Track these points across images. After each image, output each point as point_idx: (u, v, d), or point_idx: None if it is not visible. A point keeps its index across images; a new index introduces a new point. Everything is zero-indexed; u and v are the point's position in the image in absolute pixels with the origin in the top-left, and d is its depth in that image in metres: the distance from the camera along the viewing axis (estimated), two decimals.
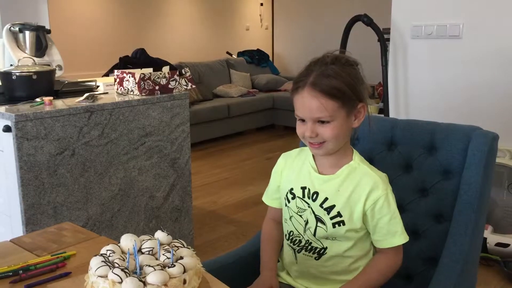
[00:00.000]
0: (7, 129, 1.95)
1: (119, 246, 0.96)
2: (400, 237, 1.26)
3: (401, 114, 3.11)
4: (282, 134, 6.34)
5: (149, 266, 0.87)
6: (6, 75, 2.26)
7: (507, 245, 2.64)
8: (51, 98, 2.17)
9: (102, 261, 0.88)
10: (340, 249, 1.29)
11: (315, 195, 1.29)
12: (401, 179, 1.52)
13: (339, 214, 1.26)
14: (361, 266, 1.32)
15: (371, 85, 6.62)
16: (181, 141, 2.55)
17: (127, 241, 0.97)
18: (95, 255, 0.91)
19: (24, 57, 2.62)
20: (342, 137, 1.24)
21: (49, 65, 2.70)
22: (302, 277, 1.37)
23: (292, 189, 1.34)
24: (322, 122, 1.21)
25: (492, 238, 2.68)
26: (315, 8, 7.31)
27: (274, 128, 6.67)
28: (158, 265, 0.88)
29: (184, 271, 0.88)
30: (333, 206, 1.27)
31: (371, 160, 1.56)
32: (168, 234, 0.99)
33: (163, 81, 2.45)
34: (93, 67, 5.39)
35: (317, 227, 1.28)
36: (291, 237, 1.35)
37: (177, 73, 2.54)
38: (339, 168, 1.29)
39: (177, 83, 2.52)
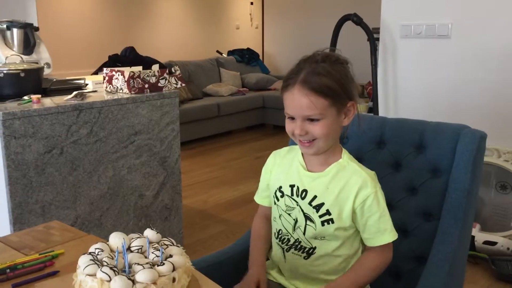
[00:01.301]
0: None
1: (107, 245, 0.96)
2: (389, 235, 1.26)
3: (390, 113, 3.13)
4: (272, 133, 6.35)
5: (138, 264, 0.87)
6: None
7: (494, 243, 2.66)
8: (39, 96, 2.15)
9: (91, 260, 0.87)
10: (329, 248, 1.29)
11: (304, 193, 1.29)
12: (390, 178, 1.53)
13: (328, 212, 1.26)
14: (350, 265, 1.32)
15: (360, 85, 6.65)
16: (171, 140, 2.54)
17: (116, 239, 0.96)
18: (84, 254, 0.91)
19: (12, 55, 2.60)
20: (332, 135, 1.24)
21: (37, 63, 2.67)
22: (291, 276, 1.37)
23: (281, 187, 1.34)
24: (312, 120, 1.21)
25: (480, 236, 2.70)
26: (305, 7, 7.32)
27: (264, 127, 6.67)
28: (147, 263, 0.87)
29: (174, 269, 0.87)
30: (322, 204, 1.27)
31: (361, 158, 1.57)
32: (158, 232, 0.99)
33: (153, 79, 2.44)
34: (82, 65, 5.35)
35: (307, 226, 1.28)
36: (279, 236, 1.35)
37: (167, 71, 2.53)
38: (328, 166, 1.29)
39: (167, 81, 2.51)
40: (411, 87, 3.02)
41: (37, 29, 2.86)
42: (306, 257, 1.31)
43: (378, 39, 3.18)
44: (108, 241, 0.98)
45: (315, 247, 1.29)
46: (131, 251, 0.93)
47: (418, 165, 1.49)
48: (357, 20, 3.28)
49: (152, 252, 0.91)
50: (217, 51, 7.25)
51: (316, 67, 1.19)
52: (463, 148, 1.41)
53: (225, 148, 5.50)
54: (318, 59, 1.21)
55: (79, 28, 5.66)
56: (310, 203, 1.28)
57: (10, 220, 1.99)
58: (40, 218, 2.06)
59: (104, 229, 2.31)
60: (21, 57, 2.52)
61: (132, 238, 0.96)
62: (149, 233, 0.98)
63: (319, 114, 1.19)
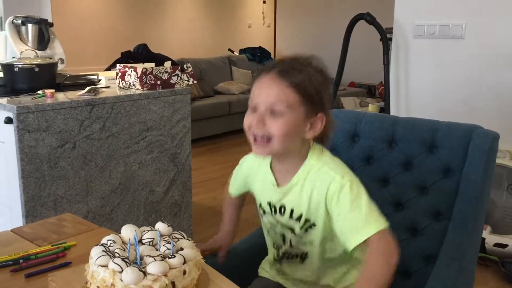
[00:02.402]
0: (8, 120, 1.95)
1: (119, 237, 0.97)
2: (374, 225, 1.09)
3: (402, 113, 3.11)
4: None
5: (150, 256, 0.88)
6: (8, 67, 2.27)
7: (505, 246, 2.64)
8: (53, 90, 2.18)
9: (103, 251, 0.89)
10: (320, 251, 1.23)
11: (282, 209, 1.23)
12: (401, 177, 1.52)
13: (307, 220, 1.19)
14: (349, 272, 1.28)
15: (372, 85, 6.62)
16: (182, 136, 2.56)
17: (128, 231, 0.97)
18: (96, 245, 0.92)
19: (26, 50, 2.62)
20: (289, 139, 1.13)
21: (51, 58, 2.70)
22: (288, 279, 1.34)
23: (261, 204, 1.30)
24: (275, 114, 1.10)
25: (490, 238, 2.68)
26: (317, 6, 7.30)
27: None
28: (158, 255, 0.88)
29: (184, 262, 0.88)
30: (300, 215, 1.20)
31: (372, 157, 1.57)
32: (169, 225, 1.00)
33: (165, 76, 2.46)
34: (95, 61, 5.39)
35: (292, 239, 1.25)
36: (274, 247, 1.34)
37: (179, 68, 2.54)
38: (295, 173, 1.20)
39: (179, 78, 2.52)
40: (423, 87, 3.01)
41: (51, 25, 2.89)
42: (300, 262, 1.28)
43: (391, 39, 3.17)
44: (120, 233, 0.99)
45: (306, 252, 1.25)
46: (143, 244, 0.94)
47: (429, 164, 1.49)
48: (370, 19, 3.27)
49: (163, 245, 0.92)
50: (229, 49, 7.26)
51: (298, 66, 1.13)
52: (475, 148, 1.40)
53: (236, 146, 5.50)
54: (302, 61, 1.15)
55: (93, 24, 5.71)
56: (290, 217, 1.22)
57: (22, 213, 2.01)
58: (52, 211, 2.09)
59: (115, 224, 2.33)
60: (36, 52, 2.54)
61: (144, 231, 0.97)
62: (161, 226, 0.99)
63: (285, 107, 1.09)
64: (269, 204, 1.26)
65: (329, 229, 1.18)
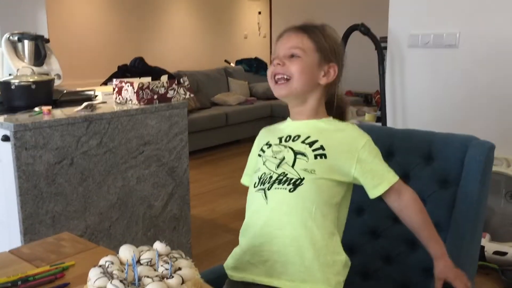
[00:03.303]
0: (5, 138, 1.96)
1: (117, 257, 0.97)
2: (394, 174, 1.28)
3: (398, 122, 3.12)
4: None
5: (148, 277, 0.87)
6: (5, 84, 2.27)
7: (505, 254, 2.64)
8: (50, 107, 2.18)
9: (101, 272, 0.88)
10: (317, 185, 1.22)
11: (296, 137, 1.30)
12: None
13: (321, 148, 1.25)
14: (320, 240, 1.22)
15: (368, 93, 6.65)
16: (180, 150, 2.56)
17: (126, 252, 0.97)
18: (94, 266, 0.92)
19: (23, 67, 2.63)
20: (307, 80, 1.29)
21: (47, 74, 2.70)
22: (258, 260, 1.26)
23: (268, 141, 1.35)
24: (292, 57, 1.29)
25: (490, 246, 2.68)
26: (312, 16, 7.31)
27: None
28: (156, 276, 0.88)
29: (183, 282, 0.88)
30: (316, 141, 1.27)
31: None
32: (167, 244, 1.00)
33: (162, 90, 2.47)
34: (92, 75, 5.40)
35: (296, 159, 1.25)
36: (260, 180, 1.29)
37: (176, 82, 2.55)
38: (316, 117, 1.34)
39: (176, 92, 2.53)
40: (419, 96, 3.02)
41: (47, 41, 2.90)
42: (292, 189, 1.22)
43: (386, 48, 3.18)
44: (117, 253, 0.99)
45: (303, 178, 1.22)
46: (141, 264, 0.94)
47: (426, 176, 1.49)
48: (364, 30, 3.29)
49: (161, 265, 0.92)
50: (225, 61, 7.28)
51: (318, 24, 1.35)
52: (472, 160, 1.41)
53: (233, 157, 5.51)
54: (317, 23, 1.37)
55: (89, 39, 5.72)
56: (303, 141, 1.28)
57: (20, 230, 2.01)
58: (50, 228, 2.08)
59: (114, 240, 2.32)
60: (32, 69, 2.55)
61: (142, 251, 0.97)
62: (158, 245, 0.99)
63: (301, 52, 1.28)
64: (280, 138, 1.33)
65: (335, 171, 1.24)
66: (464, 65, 2.81)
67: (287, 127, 1.36)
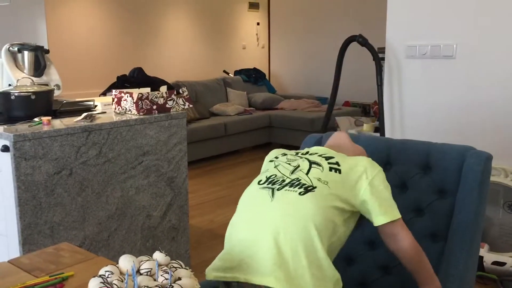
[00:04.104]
0: (5, 148, 1.96)
1: (117, 267, 0.97)
2: (398, 212, 1.29)
3: (396, 132, 3.14)
4: None
5: (147, 287, 0.88)
6: (5, 95, 2.28)
7: (503, 264, 2.64)
8: (50, 118, 2.19)
9: (101, 282, 0.89)
10: (328, 197, 1.22)
11: (314, 153, 1.35)
12: (397, 199, 1.52)
13: (337, 163, 1.30)
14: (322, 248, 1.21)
15: (366, 103, 6.68)
16: (178, 160, 2.57)
17: (126, 262, 0.97)
18: (94, 276, 0.92)
19: (23, 77, 2.64)
20: None
21: (47, 84, 2.71)
22: (273, 221, 1.23)
23: (284, 153, 1.40)
24: None
25: (488, 256, 2.68)
26: (311, 27, 7.39)
27: (271, 146, 6.68)
28: (156, 286, 0.88)
29: None
30: (332, 157, 1.32)
31: None
32: (166, 255, 1.00)
33: (161, 101, 2.48)
34: (91, 86, 5.42)
35: (312, 168, 1.29)
36: (270, 180, 1.29)
37: (175, 92, 2.56)
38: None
39: (175, 102, 2.54)
40: (416, 107, 3.03)
41: (47, 51, 2.91)
42: (302, 193, 1.23)
43: (383, 59, 3.20)
44: (117, 263, 0.99)
45: (315, 186, 1.24)
46: (141, 274, 0.94)
47: (424, 186, 1.50)
48: (362, 41, 3.31)
49: (161, 275, 0.93)
50: (224, 71, 7.31)
51: None
52: (469, 170, 1.42)
53: (232, 167, 5.51)
54: None
55: (88, 49, 5.75)
56: (320, 155, 1.33)
57: (19, 241, 2.01)
58: (49, 239, 2.08)
59: (112, 250, 2.32)
60: (32, 80, 2.56)
61: (142, 261, 0.98)
62: (158, 255, 1.00)
63: None
64: (297, 152, 1.39)
65: (346, 188, 1.26)
66: (462, 76, 2.83)
67: (309, 148, 1.43)
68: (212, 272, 1.29)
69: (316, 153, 1.35)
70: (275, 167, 1.33)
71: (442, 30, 2.87)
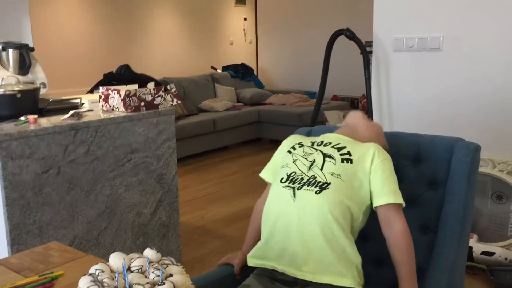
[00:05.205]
0: None
1: (108, 265, 0.96)
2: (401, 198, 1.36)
3: (385, 125, 3.15)
4: (268, 147, 6.36)
5: (139, 284, 0.87)
6: None
7: (492, 254, 2.67)
8: (36, 116, 2.16)
9: (91, 281, 0.88)
10: (341, 190, 1.34)
11: (328, 144, 1.43)
12: None
13: (348, 153, 1.38)
14: (343, 241, 1.33)
15: (354, 97, 6.70)
16: (168, 157, 2.55)
17: (116, 259, 0.96)
18: (84, 275, 0.91)
19: (7, 76, 2.60)
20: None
21: (33, 83, 2.68)
22: (299, 221, 1.37)
23: (301, 142, 1.47)
24: None
25: (477, 247, 2.70)
26: (298, 22, 7.38)
27: (260, 141, 6.68)
28: (147, 283, 0.88)
29: None
30: (344, 147, 1.40)
31: None
32: (157, 251, 0.99)
33: (149, 97, 2.46)
34: (78, 83, 5.37)
35: (325, 162, 1.38)
36: (290, 178, 1.41)
37: (163, 89, 2.54)
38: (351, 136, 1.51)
39: (163, 99, 2.52)
40: (404, 99, 3.05)
41: (32, 49, 2.87)
42: (318, 192, 1.35)
43: (371, 52, 3.21)
44: (107, 261, 0.98)
45: (329, 183, 1.35)
46: (131, 271, 0.94)
47: (414, 178, 1.51)
48: (350, 34, 3.31)
49: (152, 272, 0.92)
50: (212, 67, 7.28)
51: None
52: (458, 161, 1.43)
53: (221, 164, 5.50)
54: None
55: (74, 47, 5.69)
56: (333, 146, 1.41)
57: (7, 241, 1.98)
58: (38, 238, 2.06)
59: (102, 248, 2.30)
60: (17, 78, 2.53)
61: (132, 258, 0.97)
62: (149, 252, 0.99)
63: None
64: (313, 142, 1.47)
65: (359, 172, 1.36)
66: (448, 68, 2.85)
67: (323, 136, 1.51)
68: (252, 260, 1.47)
69: (329, 143, 1.44)
70: (293, 162, 1.44)
71: (429, 23, 2.88)
